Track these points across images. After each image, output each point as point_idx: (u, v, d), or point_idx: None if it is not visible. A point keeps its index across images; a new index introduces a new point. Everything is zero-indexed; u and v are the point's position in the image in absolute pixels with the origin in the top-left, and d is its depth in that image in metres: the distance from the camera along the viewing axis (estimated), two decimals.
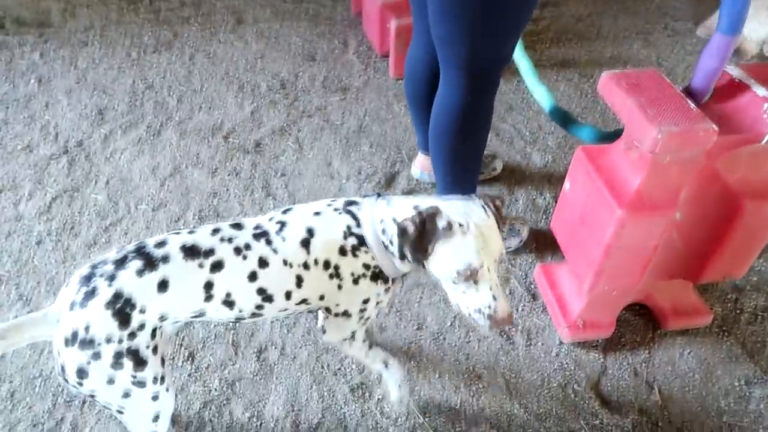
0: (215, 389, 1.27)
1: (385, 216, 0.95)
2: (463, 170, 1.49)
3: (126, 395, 0.87)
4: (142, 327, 0.84)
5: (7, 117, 2.04)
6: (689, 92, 1.24)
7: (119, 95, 2.15)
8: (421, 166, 1.79)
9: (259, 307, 0.93)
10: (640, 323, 1.43)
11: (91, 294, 0.82)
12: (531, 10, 1.29)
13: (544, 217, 1.70)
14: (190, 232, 0.90)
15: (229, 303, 0.90)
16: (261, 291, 0.91)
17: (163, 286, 0.84)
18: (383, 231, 0.94)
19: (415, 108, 1.64)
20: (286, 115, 2.07)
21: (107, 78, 2.22)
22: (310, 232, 0.94)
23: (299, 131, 2.01)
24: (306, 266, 0.93)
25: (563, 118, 1.55)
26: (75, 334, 0.81)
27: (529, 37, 2.44)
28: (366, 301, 1.00)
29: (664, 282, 1.44)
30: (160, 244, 0.87)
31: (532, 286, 1.51)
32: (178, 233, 0.90)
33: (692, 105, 1.18)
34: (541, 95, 1.66)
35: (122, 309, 0.82)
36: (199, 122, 2.04)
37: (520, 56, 1.78)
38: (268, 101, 2.13)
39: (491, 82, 1.37)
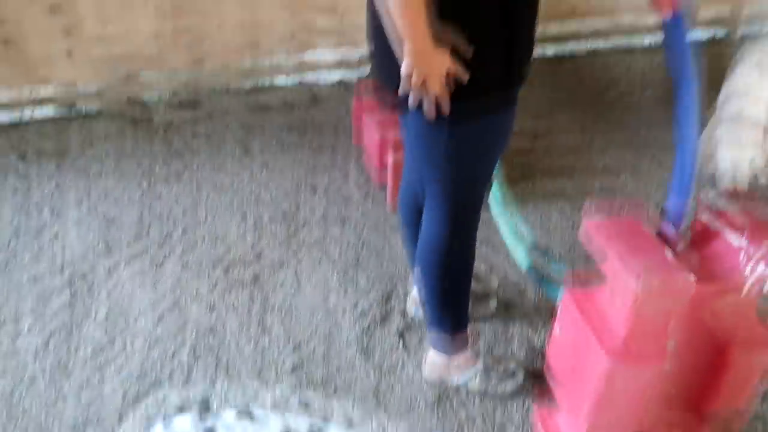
0: None
1: None
2: (447, 306, 1.49)
3: None
4: None
5: (17, 248, 2.12)
6: (663, 236, 1.28)
7: (127, 226, 2.23)
8: (416, 302, 1.81)
9: None
10: None
11: None
12: (505, 141, 1.34)
13: (540, 356, 1.69)
14: None
15: None
16: None
17: None
18: None
19: (406, 242, 1.69)
20: (286, 247, 2.14)
21: (117, 209, 2.32)
22: None
23: (298, 264, 2.07)
24: None
25: (539, 279, 1.63)
26: None
27: (520, 169, 2.55)
28: None
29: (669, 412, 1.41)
30: None
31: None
32: None
33: (670, 255, 1.22)
34: (518, 255, 1.77)
35: None
36: (202, 254, 2.11)
37: (498, 213, 1.88)
38: (269, 233, 2.20)
39: (472, 214, 1.40)
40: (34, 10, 2.52)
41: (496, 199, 2.01)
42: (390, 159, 2.20)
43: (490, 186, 1.40)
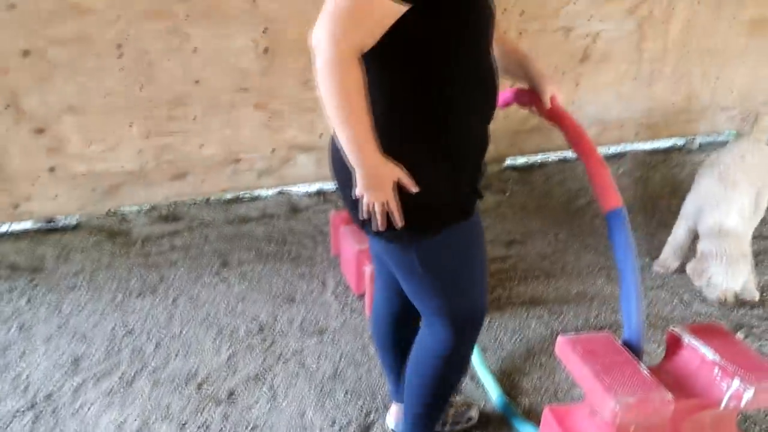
0: None
1: None
2: (433, 413, 1.53)
3: None
4: None
5: None
6: (627, 345, 1.29)
7: (98, 342, 2.17)
8: (395, 417, 1.75)
9: None
10: None
11: None
12: (478, 248, 1.36)
13: None
14: None
15: None
16: None
17: None
18: None
19: (384, 354, 1.68)
20: (262, 360, 2.09)
21: (89, 323, 2.27)
22: None
23: (274, 377, 2.01)
24: None
25: (513, 416, 1.69)
26: None
27: (497, 275, 2.58)
28: None
29: None
30: None
31: None
32: None
33: (646, 371, 1.22)
34: (493, 390, 1.86)
35: None
36: (174, 369, 2.04)
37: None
38: (245, 346, 2.16)
39: (474, 328, 1.41)
40: (19, 130, 2.60)
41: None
42: (368, 269, 2.22)
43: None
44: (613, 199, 1.29)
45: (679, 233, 2.57)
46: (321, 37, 1.05)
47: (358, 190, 1.16)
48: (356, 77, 1.05)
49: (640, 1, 3.47)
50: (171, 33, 2.65)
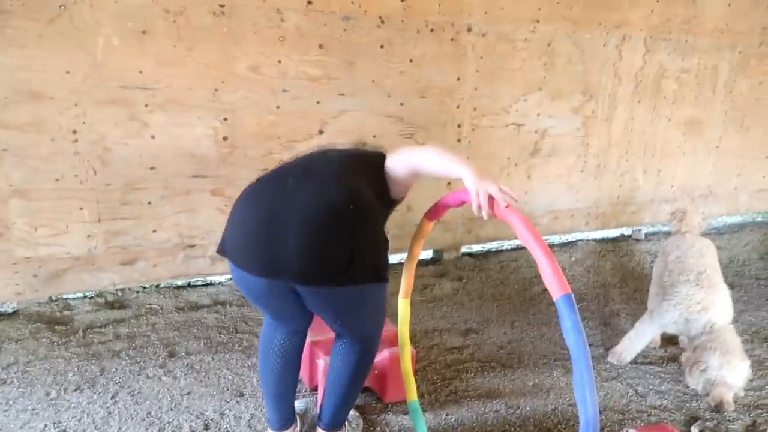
0: None
1: None
2: (352, 402, 1.96)
3: None
4: None
5: None
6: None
7: None
8: None
9: None
10: None
11: None
12: (384, 293, 1.78)
13: None
14: None
15: None
16: None
17: None
18: None
19: (284, 383, 1.92)
20: None
21: (17, 422, 2.10)
22: None
23: None
24: None
25: None
26: None
27: (454, 366, 2.55)
28: None
29: None
30: None
31: None
32: None
33: None
34: None
35: None
36: None
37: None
38: None
39: (375, 342, 1.86)
40: None
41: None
42: (321, 362, 2.15)
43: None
44: (562, 286, 1.31)
45: (644, 335, 2.56)
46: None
47: (473, 188, 1.53)
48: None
49: (584, 101, 3.71)
50: (130, 119, 2.66)
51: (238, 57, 2.77)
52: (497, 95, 3.43)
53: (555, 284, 1.33)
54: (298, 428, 2.03)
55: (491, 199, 1.51)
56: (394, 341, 2.24)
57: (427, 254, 3.77)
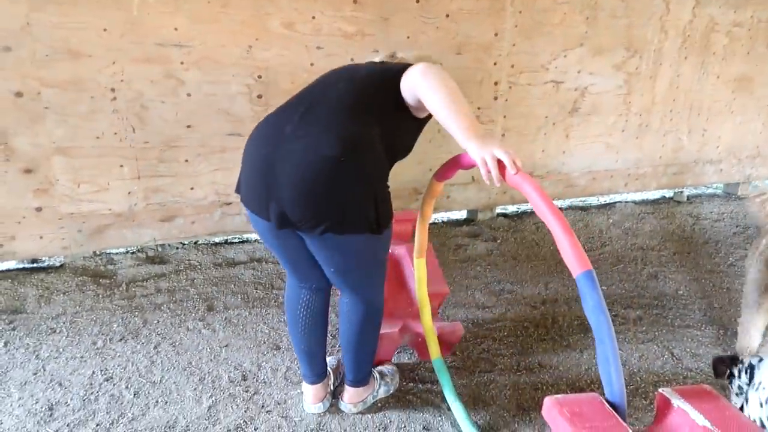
0: None
1: None
2: (373, 354, 2.00)
3: None
4: None
5: None
6: (612, 406, 1.25)
7: (75, 388, 2.10)
8: (319, 397, 2.02)
9: None
10: None
11: None
12: (381, 246, 1.75)
13: None
14: None
15: None
16: None
17: None
18: None
19: (311, 338, 1.96)
20: (244, 410, 2.02)
21: (67, 369, 2.20)
22: None
23: (256, 429, 1.94)
24: None
25: None
26: None
27: (486, 325, 2.55)
28: None
29: None
30: None
31: None
32: None
33: None
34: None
35: None
36: (152, 420, 1.97)
37: (452, 400, 2.03)
38: (228, 395, 2.09)
39: (376, 303, 1.87)
40: (7, 169, 2.59)
41: (449, 390, 2.08)
42: None
43: None
44: (582, 262, 1.27)
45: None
46: (422, 64, 1.56)
47: (478, 156, 1.42)
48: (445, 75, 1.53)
49: (627, 57, 3.57)
50: (166, 77, 2.68)
51: (272, 14, 2.74)
52: (536, 51, 3.33)
53: (574, 260, 1.28)
54: (331, 380, 2.09)
55: (500, 164, 1.41)
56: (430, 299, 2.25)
57: (461, 215, 3.75)
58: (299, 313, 1.94)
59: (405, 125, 1.71)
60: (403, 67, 1.62)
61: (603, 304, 1.25)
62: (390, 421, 2.01)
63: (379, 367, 2.18)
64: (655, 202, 4.16)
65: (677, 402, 1.27)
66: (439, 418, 2.02)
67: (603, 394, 1.27)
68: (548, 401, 1.25)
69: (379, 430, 1.97)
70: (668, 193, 4.32)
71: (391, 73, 1.64)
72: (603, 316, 1.24)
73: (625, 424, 1.19)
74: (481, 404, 2.09)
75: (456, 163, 1.78)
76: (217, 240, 3.22)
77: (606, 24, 3.41)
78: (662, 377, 2.27)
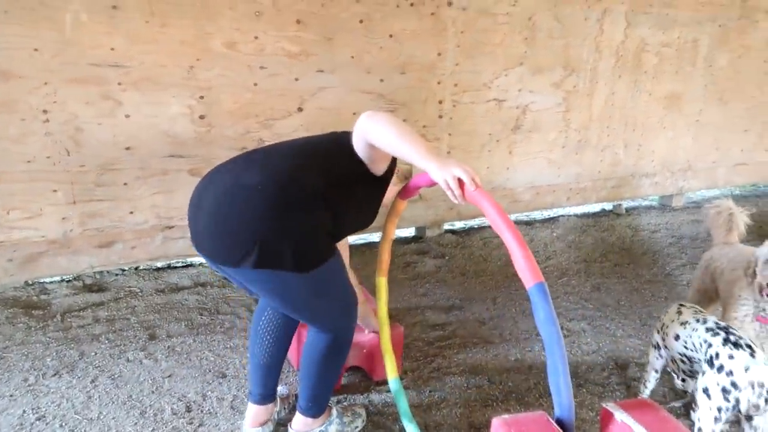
0: None
1: None
2: (333, 382, 1.91)
3: None
4: None
5: None
6: (560, 423, 1.27)
7: (4, 430, 1.97)
8: (264, 417, 1.96)
9: None
10: None
11: None
12: (343, 279, 1.72)
13: None
14: None
15: None
16: None
17: None
18: None
19: (271, 358, 1.93)
20: None
21: None
22: None
23: None
24: None
25: None
26: None
27: (437, 343, 2.56)
28: None
29: None
30: None
31: None
32: None
33: None
34: None
35: None
36: None
37: (407, 422, 1.99)
38: (170, 428, 2.01)
39: (342, 332, 1.79)
40: None
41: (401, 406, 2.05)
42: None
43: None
44: (534, 275, 1.30)
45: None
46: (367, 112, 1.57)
47: (440, 178, 1.46)
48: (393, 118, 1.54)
49: (565, 76, 3.69)
50: (102, 98, 2.59)
51: (213, 33, 2.70)
52: (478, 70, 3.40)
53: (528, 273, 1.31)
54: (277, 408, 2.03)
55: (460, 182, 1.46)
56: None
57: (409, 232, 3.76)
58: (263, 323, 1.91)
59: (362, 184, 1.69)
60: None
61: (554, 315, 1.28)
62: None
63: (349, 405, 2.13)
64: (595, 215, 4.30)
65: (620, 416, 1.30)
66: None
67: (553, 407, 1.28)
68: (496, 422, 1.26)
69: None
70: (608, 206, 4.47)
71: (344, 136, 1.69)
72: (554, 328, 1.26)
73: None
74: (432, 424, 2.08)
75: (418, 182, 1.81)
76: (159, 265, 3.12)
77: (544, 44, 3.53)
78: (607, 388, 2.32)
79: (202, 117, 2.79)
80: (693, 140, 4.41)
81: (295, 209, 1.54)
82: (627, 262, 3.52)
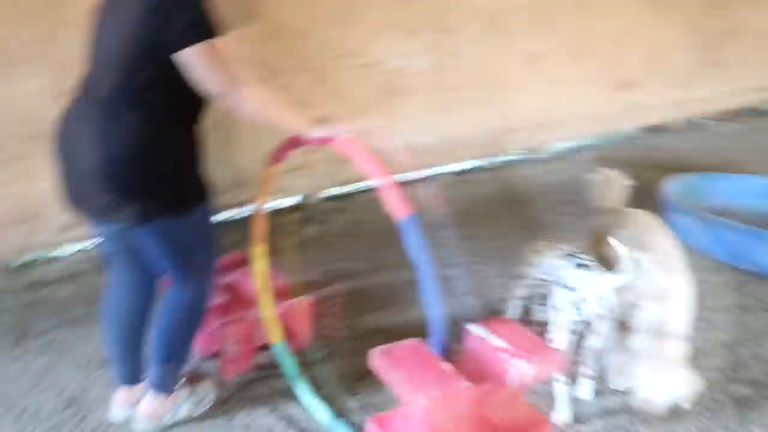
0: None
1: None
2: (184, 354, 1.87)
3: None
4: None
5: None
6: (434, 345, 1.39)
7: None
8: (131, 399, 1.88)
9: None
10: None
11: None
12: (208, 227, 1.76)
13: None
14: None
15: None
16: None
17: None
18: None
19: (129, 338, 1.87)
20: None
21: None
22: None
23: None
24: None
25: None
26: None
27: (325, 304, 2.60)
28: None
29: None
30: None
31: None
32: None
33: (448, 368, 1.32)
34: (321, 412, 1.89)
35: None
36: None
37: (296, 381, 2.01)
38: (51, 426, 1.92)
39: (206, 281, 1.80)
40: None
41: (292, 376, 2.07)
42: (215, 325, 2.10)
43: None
44: (405, 208, 1.40)
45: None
46: (214, 88, 1.48)
47: (314, 132, 1.57)
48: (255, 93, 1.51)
49: (433, 39, 3.83)
50: None
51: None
52: (350, 35, 3.44)
53: (399, 207, 1.40)
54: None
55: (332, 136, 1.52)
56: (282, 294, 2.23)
57: (291, 201, 3.77)
58: (120, 300, 1.88)
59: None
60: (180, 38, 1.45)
61: (423, 241, 1.38)
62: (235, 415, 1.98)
63: (193, 375, 2.05)
64: (469, 171, 4.52)
65: (478, 331, 1.44)
66: (288, 403, 2.03)
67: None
68: (375, 352, 1.35)
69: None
70: (483, 163, 4.71)
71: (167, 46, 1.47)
72: (425, 255, 1.37)
73: (439, 359, 1.32)
74: (322, 380, 2.13)
75: (289, 143, 1.81)
76: (24, 260, 2.91)
77: (416, 7, 3.62)
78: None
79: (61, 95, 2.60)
80: (556, 97, 4.73)
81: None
82: (499, 212, 3.76)
